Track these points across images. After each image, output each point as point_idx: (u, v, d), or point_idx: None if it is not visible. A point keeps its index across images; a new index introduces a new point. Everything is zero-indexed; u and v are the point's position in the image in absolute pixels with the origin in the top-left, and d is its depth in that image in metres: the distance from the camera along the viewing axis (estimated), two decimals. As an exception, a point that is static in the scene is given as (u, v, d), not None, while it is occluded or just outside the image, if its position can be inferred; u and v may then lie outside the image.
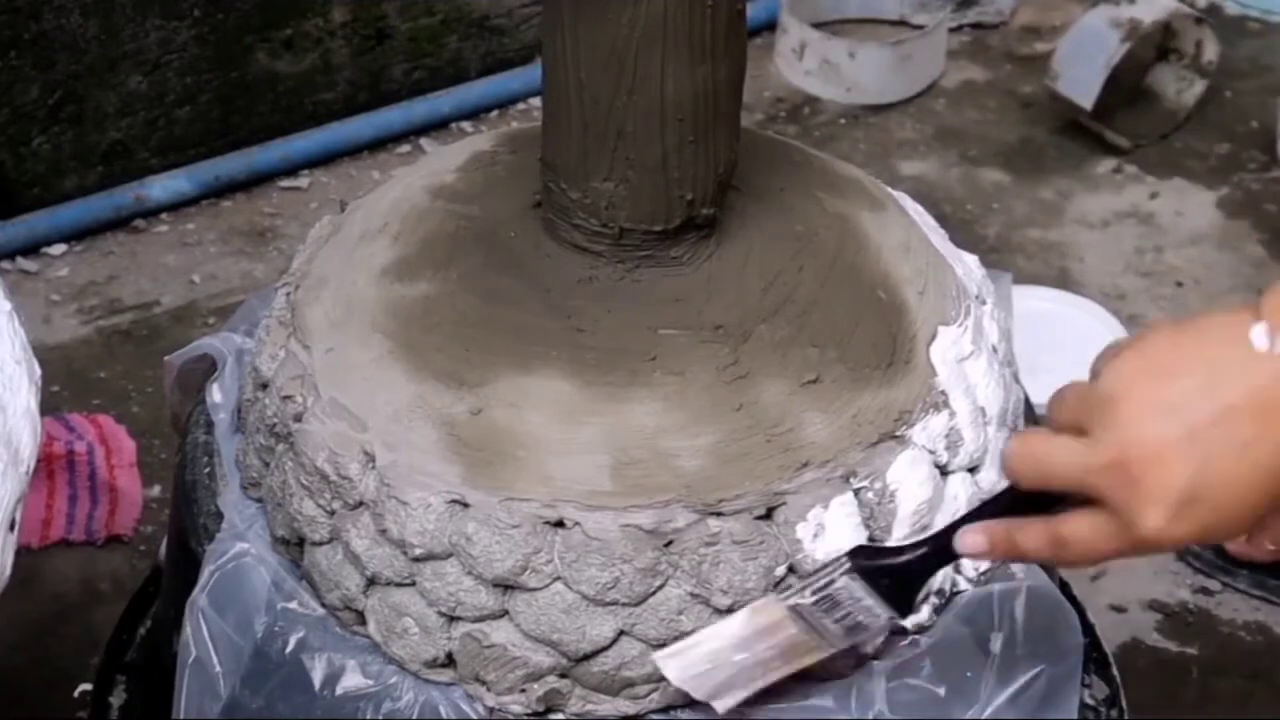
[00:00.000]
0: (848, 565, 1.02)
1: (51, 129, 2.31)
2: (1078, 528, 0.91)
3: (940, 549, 1.00)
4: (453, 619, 1.07)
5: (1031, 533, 0.94)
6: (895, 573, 1.02)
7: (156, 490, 1.96)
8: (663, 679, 1.07)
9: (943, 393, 1.12)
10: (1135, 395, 0.88)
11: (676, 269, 1.16)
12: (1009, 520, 0.95)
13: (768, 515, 1.06)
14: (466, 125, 2.59)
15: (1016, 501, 0.96)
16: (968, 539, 0.97)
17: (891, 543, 1.08)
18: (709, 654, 1.03)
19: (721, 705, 1.04)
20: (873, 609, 1.02)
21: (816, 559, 1.05)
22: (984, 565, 1.14)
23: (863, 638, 1.05)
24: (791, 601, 1.02)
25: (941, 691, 1.08)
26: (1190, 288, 2.29)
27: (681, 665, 1.03)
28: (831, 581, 1.02)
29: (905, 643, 1.10)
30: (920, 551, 1.02)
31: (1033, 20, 2.89)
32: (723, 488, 1.05)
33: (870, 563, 1.02)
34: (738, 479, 1.06)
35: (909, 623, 1.10)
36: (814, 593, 1.02)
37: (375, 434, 1.09)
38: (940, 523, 1.09)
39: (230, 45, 2.40)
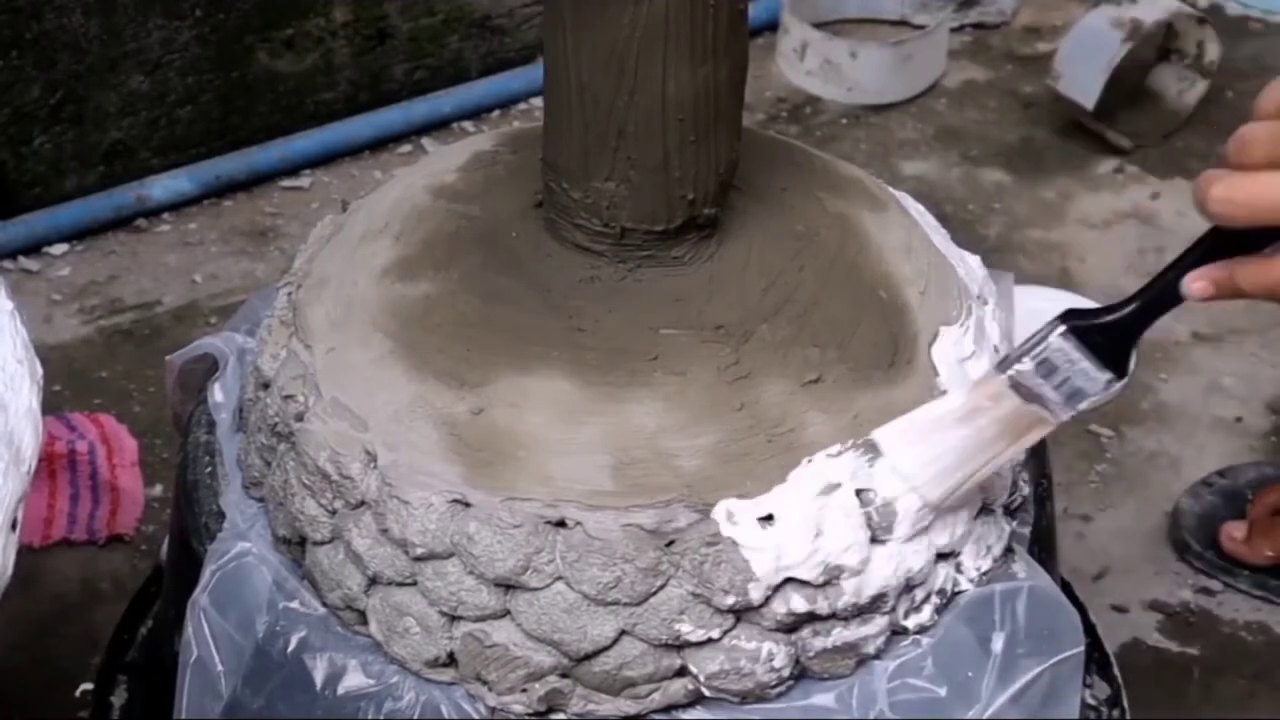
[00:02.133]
0: (1062, 327, 1.02)
1: (52, 129, 2.31)
2: None
3: (1153, 302, 1.02)
4: (454, 619, 1.07)
5: (1251, 269, 0.97)
6: (1109, 330, 1.03)
7: (158, 490, 1.96)
8: (664, 678, 1.07)
9: (944, 393, 1.12)
10: None
11: (678, 269, 1.16)
12: (1226, 261, 0.98)
13: (769, 516, 1.06)
14: (468, 125, 2.59)
15: (1219, 244, 0.99)
16: (1194, 285, 1.00)
17: (891, 540, 1.08)
18: (929, 422, 1.02)
19: (933, 492, 1.03)
20: (1089, 371, 1.02)
21: (818, 559, 1.05)
22: (985, 566, 1.14)
23: (1083, 405, 1.04)
24: (1011, 370, 1.02)
25: (943, 691, 1.08)
26: (1191, 288, 2.28)
27: (895, 433, 1.02)
28: (1047, 344, 1.02)
29: (906, 642, 1.10)
30: (1134, 306, 1.03)
31: (1034, 20, 2.89)
32: (724, 487, 1.05)
33: (1084, 322, 1.03)
34: (738, 479, 1.06)
35: (910, 624, 1.10)
36: (1032, 358, 1.02)
37: (376, 434, 1.09)
38: (939, 526, 1.09)
39: (231, 45, 2.40)
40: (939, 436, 1.03)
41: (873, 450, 1.05)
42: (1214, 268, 1.00)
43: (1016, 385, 1.03)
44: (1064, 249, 2.39)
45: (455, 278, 1.16)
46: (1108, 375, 1.03)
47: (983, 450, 1.03)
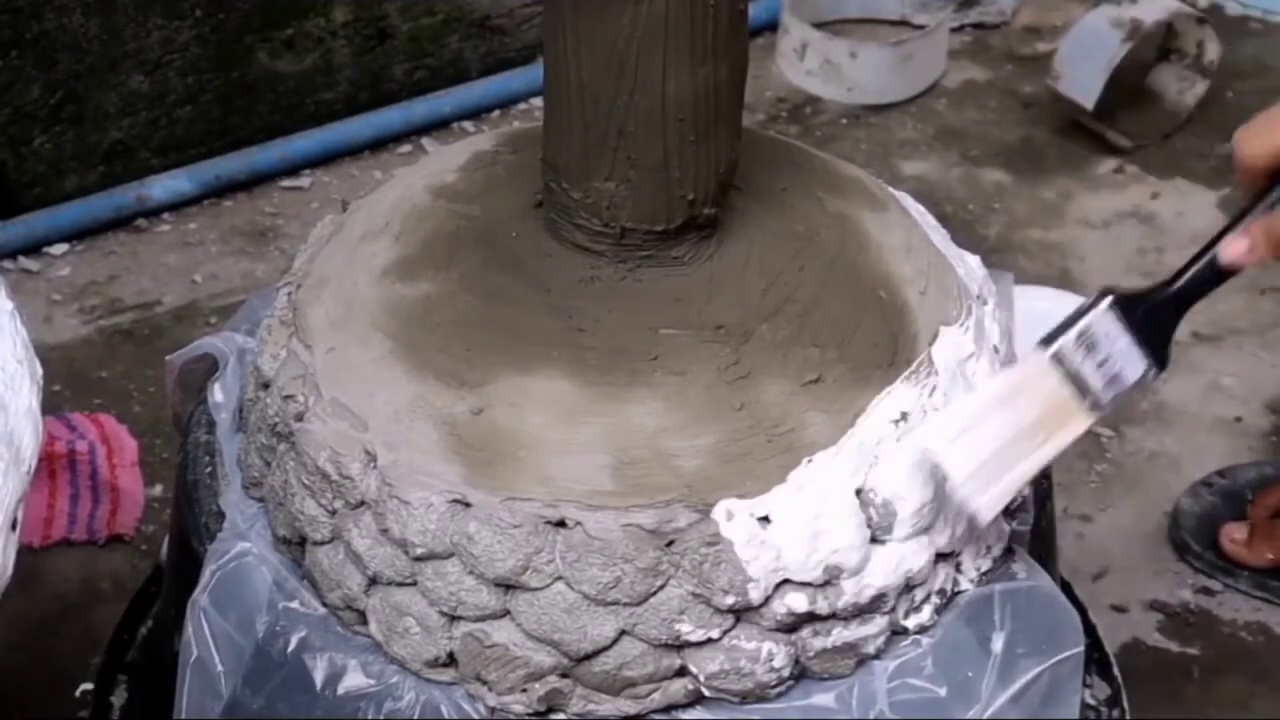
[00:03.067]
0: (1108, 299, 1.03)
1: (53, 129, 2.31)
2: None
3: (1196, 278, 1.03)
4: (454, 619, 1.07)
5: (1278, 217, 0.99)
6: (1154, 309, 1.03)
7: (158, 490, 1.96)
8: (664, 678, 1.07)
9: (944, 393, 1.12)
10: None
11: (678, 269, 1.16)
12: (1259, 218, 1.00)
13: (769, 516, 1.06)
14: (468, 125, 2.59)
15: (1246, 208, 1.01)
16: (1230, 248, 1.01)
17: (891, 540, 1.08)
18: (972, 414, 1.02)
19: (972, 489, 1.02)
20: (1131, 352, 1.02)
21: (817, 559, 1.05)
22: (985, 566, 1.14)
23: (1122, 392, 1.03)
24: (1055, 345, 1.02)
25: (943, 692, 1.08)
26: (1192, 288, 2.28)
27: (938, 428, 1.02)
28: (1091, 317, 1.02)
29: (906, 642, 1.10)
30: (1178, 284, 1.04)
31: (1034, 20, 2.89)
32: (724, 487, 1.05)
33: (1130, 293, 1.03)
34: (739, 479, 1.06)
35: (910, 624, 1.10)
36: (1077, 330, 1.02)
37: (376, 434, 1.09)
38: (940, 525, 1.09)
39: (231, 45, 2.40)
40: (985, 422, 1.02)
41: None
42: (1249, 225, 1.00)
43: (1059, 360, 1.02)
44: (1064, 249, 2.39)
45: (455, 278, 1.16)
46: (1148, 362, 1.03)
47: (1023, 441, 1.02)
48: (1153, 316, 1.03)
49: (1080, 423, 1.03)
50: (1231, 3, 2.90)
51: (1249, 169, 1.02)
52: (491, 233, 1.19)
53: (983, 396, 1.03)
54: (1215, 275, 1.03)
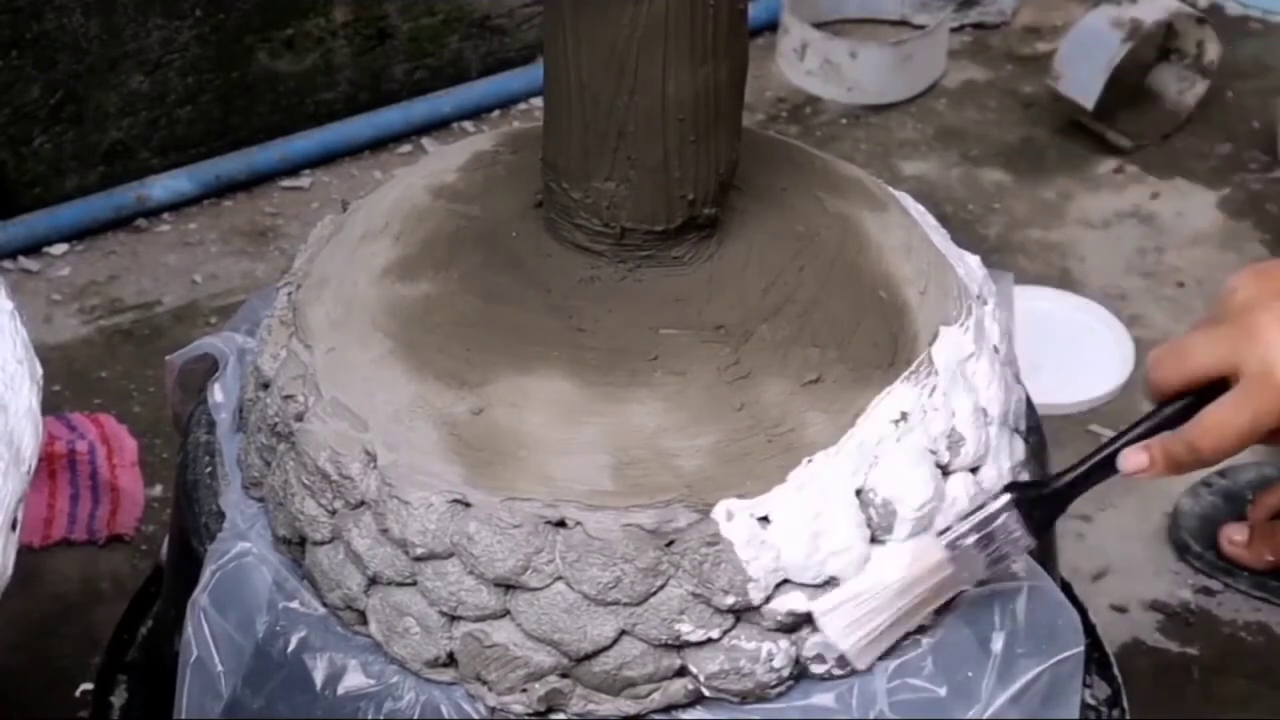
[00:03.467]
0: (1009, 499, 1.08)
1: (53, 129, 2.31)
2: (1217, 408, 1.06)
3: (1090, 476, 1.09)
4: (454, 619, 1.07)
5: (1178, 439, 1.07)
6: (1049, 500, 1.09)
7: (158, 490, 1.96)
8: (664, 678, 1.07)
9: (944, 393, 1.12)
10: (1261, 303, 1.05)
11: (678, 269, 1.16)
12: (1160, 436, 1.07)
13: (769, 516, 1.06)
14: (468, 125, 2.59)
15: (1159, 425, 1.09)
16: (1130, 459, 1.08)
17: (891, 540, 1.08)
18: (871, 610, 1.06)
19: (863, 659, 1.07)
20: (1019, 540, 1.07)
21: (817, 559, 1.05)
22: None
23: (1001, 570, 1.09)
24: (952, 540, 1.07)
25: (943, 691, 1.08)
26: (1192, 288, 2.29)
27: (841, 621, 1.06)
28: (994, 519, 1.07)
29: (906, 642, 1.10)
30: (1074, 475, 1.09)
31: (1034, 20, 2.89)
32: (724, 487, 1.05)
33: (1030, 494, 1.09)
34: (739, 479, 1.06)
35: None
36: (977, 529, 1.07)
37: (376, 434, 1.09)
38: (940, 524, 1.09)
39: (231, 45, 2.40)
40: (876, 611, 1.06)
41: (811, 626, 1.07)
42: (1151, 441, 1.08)
43: (955, 555, 1.07)
44: (1064, 249, 2.39)
45: (455, 278, 1.16)
46: (1030, 541, 1.09)
47: (911, 616, 1.08)
48: (1044, 503, 1.09)
49: (960, 588, 1.09)
50: (1231, 3, 2.90)
51: (1158, 392, 1.10)
52: (491, 233, 1.19)
53: (881, 590, 1.07)
54: (1109, 475, 1.09)
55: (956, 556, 1.07)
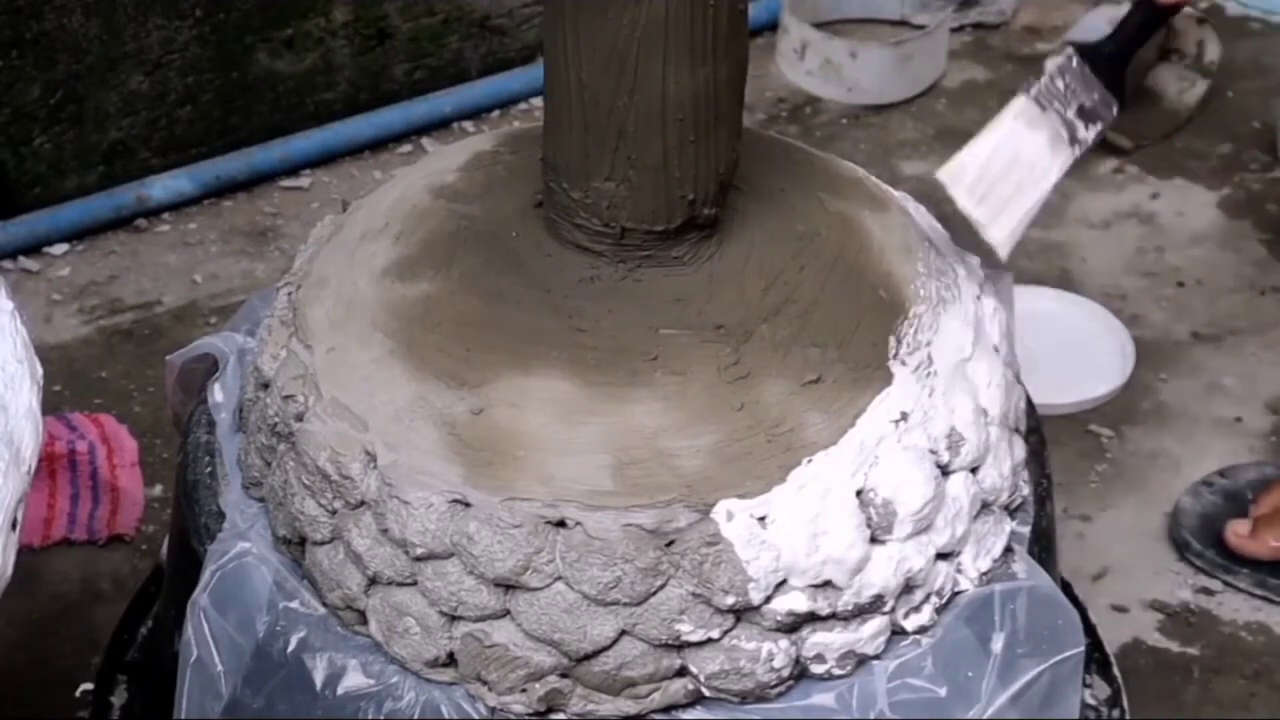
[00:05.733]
0: (1069, 50, 1.18)
1: (53, 128, 2.31)
2: None
3: (1141, 25, 1.19)
4: (454, 619, 1.07)
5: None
6: (1111, 59, 1.18)
7: (158, 490, 1.96)
8: (664, 678, 1.07)
9: (944, 393, 1.12)
10: None
11: (678, 269, 1.16)
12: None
13: (769, 516, 1.06)
14: (468, 125, 2.59)
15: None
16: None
17: (891, 540, 1.08)
18: (992, 177, 1.15)
19: (996, 233, 1.16)
20: (1099, 96, 1.16)
21: (817, 559, 1.05)
22: (985, 566, 1.14)
23: (1096, 135, 1.18)
24: (1034, 93, 1.17)
25: (943, 691, 1.08)
26: (1192, 288, 2.28)
27: (967, 181, 1.15)
28: (1065, 69, 1.17)
29: (906, 642, 1.10)
30: (1126, 32, 1.19)
31: (1034, 20, 2.89)
32: (724, 487, 1.05)
33: (1088, 51, 1.18)
34: (738, 479, 1.06)
35: (909, 624, 1.10)
36: (1053, 79, 1.16)
37: (376, 434, 1.09)
38: (941, 523, 1.09)
39: (231, 45, 2.40)
40: (998, 179, 1.15)
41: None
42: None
43: (1039, 103, 1.16)
44: (1064, 249, 2.38)
45: (455, 278, 1.16)
46: (1113, 101, 1.17)
47: (1030, 188, 1.16)
48: (1110, 62, 1.18)
49: (1068, 156, 1.17)
50: (1231, 3, 2.90)
51: None
52: (491, 233, 1.19)
53: (983, 143, 1.17)
54: (1157, 18, 1.18)
55: (1048, 112, 1.15)
